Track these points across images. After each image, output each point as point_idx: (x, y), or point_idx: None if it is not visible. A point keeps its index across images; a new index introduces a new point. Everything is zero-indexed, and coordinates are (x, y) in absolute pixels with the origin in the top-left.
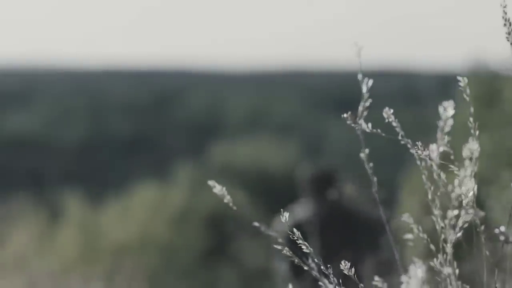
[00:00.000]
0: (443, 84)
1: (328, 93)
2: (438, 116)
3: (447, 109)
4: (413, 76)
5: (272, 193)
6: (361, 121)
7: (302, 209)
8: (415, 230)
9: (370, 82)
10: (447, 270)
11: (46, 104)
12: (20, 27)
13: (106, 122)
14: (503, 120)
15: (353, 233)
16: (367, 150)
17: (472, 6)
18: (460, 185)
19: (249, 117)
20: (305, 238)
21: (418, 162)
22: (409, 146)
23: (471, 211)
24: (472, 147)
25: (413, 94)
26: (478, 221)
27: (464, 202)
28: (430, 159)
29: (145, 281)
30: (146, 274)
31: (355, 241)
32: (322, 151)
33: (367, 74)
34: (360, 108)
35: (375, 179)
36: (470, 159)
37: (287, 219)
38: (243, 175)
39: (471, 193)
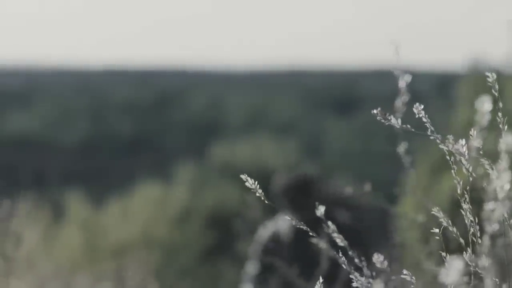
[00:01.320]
0: (441, 84)
1: (326, 94)
2: (436, 116)
3: (484, 104)
4: (412, 76)
5: (272, 192)
6: (393, 117)
7: (281, 222)
8: (445, 224)
9: (409, 77)
10: (482, 262)
11: (48, 104)
12: (22, 28)
13: (107, 123)
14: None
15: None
16: (403, 145)
17: (471, 8)
18: (497, 178)
19: (249, 117)
20: (280, 250)
21: (448, 157)
22: (438, 141)
23: (507, 203)
24: (508, 141)
25: (412, 94)
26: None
27: (499, 195)
28: (461, 154)
29: (150, 280)
30: (150, 273)
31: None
32: (321, 150)
33: (368, 74)
34: (398, 104)
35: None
36: (505, 152)
37: (265, 233)
38: (242, 173)
39: (507, 186)
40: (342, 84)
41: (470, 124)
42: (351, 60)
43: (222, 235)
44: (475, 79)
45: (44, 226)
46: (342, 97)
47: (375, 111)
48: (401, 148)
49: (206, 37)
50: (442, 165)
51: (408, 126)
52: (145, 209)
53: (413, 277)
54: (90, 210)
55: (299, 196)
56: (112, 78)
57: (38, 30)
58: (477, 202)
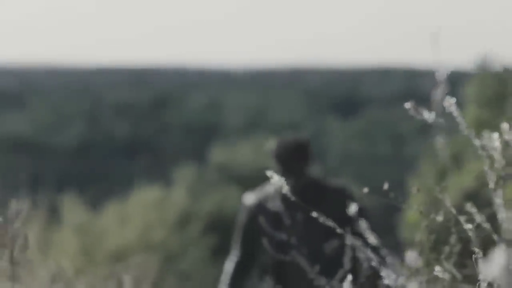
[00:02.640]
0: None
1: (327, 94)
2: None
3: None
4: (416, 75)
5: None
6: (426, 112)
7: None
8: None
9: (446, 71)
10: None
11: (44, 106)
12: (19, 29)
13: (105, 124)
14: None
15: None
16: (441, 139)
17: (477, 8)
18: None
19: (249, 119)
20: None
21: (480, 152)
22: (470, 137)
23: None
24: None
25: (416, 93)
26: None
27: None
28: (494, 148)
29: (149, 285)
30: (149, 278)
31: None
32: (323, 152)
33: (370, 75)
34: (435, 99)
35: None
36: None
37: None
38: (243, 175)
39: None
40: (343, 85)
41: (480, 121)
42: (353, 61)
43: (223, 238)
44: (484, 78)
45: (40, 230)
46: (344, 98)
47: (407, 105)
48: (407, 150)
49: (204, 38)
50: (449, 166)
51: (442, 120)
52: (143, 213)
53: (445, 273)
54: (86, 214)
55: (293, 159)
56: (109, 79)
57: (34, 32)
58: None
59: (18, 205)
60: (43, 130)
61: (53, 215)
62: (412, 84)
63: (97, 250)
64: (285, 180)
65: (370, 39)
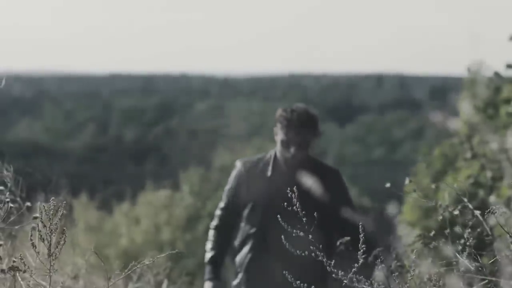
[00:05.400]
0: (439, 90)
1: (325, 100)
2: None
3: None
4: (409, 81)
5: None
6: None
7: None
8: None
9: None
10: None
11: (54, 111)
12: (32, 39)
13: (113, 129)
14: (507, 122)
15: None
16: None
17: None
18: None
19: (253, 124)
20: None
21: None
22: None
23: None
24: None
25: (410, 99)
26: None
27: None
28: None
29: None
30: (158, 278)
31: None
32: (322, 154)
33: (366, 81)
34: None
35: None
36: None
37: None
38: None
39: None
40: (340, 91)
41: (472, 128)
42: (349, 67)
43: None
44: (476, 84)
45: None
46: (341, 104)
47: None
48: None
49: (210, 44)
50: (445, 170)
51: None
52: (152, 214)
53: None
54: (98, 215)
55: (302, 127)
56: (119, 85)
57: (46, 41)
58: None
59: (54, 203)
60: (54, 134)
61: (68, 217)
62: (404, 91)
63: (108, 252)
64: (288, 148)
65: (368, 47)
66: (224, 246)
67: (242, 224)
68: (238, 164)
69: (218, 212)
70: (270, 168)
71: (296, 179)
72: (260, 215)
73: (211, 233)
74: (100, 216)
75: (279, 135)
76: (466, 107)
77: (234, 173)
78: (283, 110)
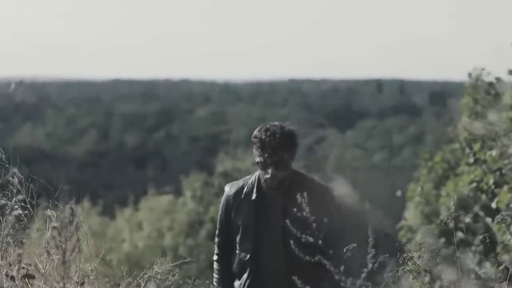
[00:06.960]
0: (439, 95)
1: (325, 104)
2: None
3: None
4: (409, 87)
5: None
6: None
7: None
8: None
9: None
10: None
11: (56, 117)
12: (32, 43)
13: (115, 134)
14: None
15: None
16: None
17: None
18: None
19: (253, 128)
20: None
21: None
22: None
23: None
24: None
25: (410, 104)
26: None
27: None
28: None
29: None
30: (160, 283)
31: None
32: (321, 158)
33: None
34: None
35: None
36: None
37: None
38: None
39: None
40: (340, 96)
41: (472, 133)
42: (349, 73)
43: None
44: (476, 89)
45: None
46: (341, 109)
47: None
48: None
49: (210, 50)
50: (446, 175)
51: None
52: (154, 219)
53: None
54: (101, 220)
55: (278, 147)
56: (120, 91)
57: (48, 47)
58: None
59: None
60: (56, 140)
61: (68, 223)
62: (404, 97)
63: (111, 255)
64: (266, 169)
65: (365, 53)
66: (229, 276)
67: (237, 250)
68: (226, 189)
69: (215, 239)
70: (254, 191)
71: (279, 201)
72: (252, 239)
73: (214, 265)
74: (103, 222)
75: (256, 157)
76: (466, 112)
77: (223, 199)
78: (258, 131)
